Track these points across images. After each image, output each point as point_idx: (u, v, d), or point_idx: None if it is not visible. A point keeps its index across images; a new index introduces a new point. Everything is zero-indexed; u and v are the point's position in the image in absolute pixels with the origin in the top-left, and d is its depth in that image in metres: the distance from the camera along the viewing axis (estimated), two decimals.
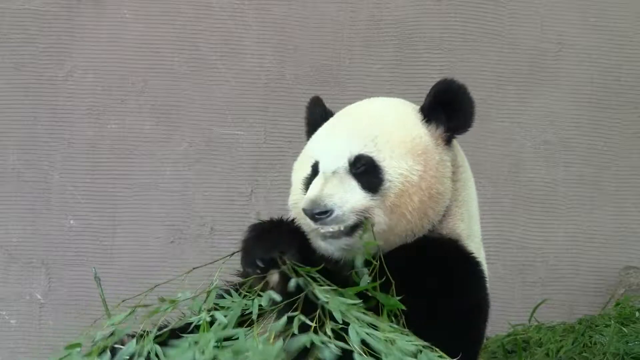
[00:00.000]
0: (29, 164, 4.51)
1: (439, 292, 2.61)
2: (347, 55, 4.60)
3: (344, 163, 2.72)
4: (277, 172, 4.51)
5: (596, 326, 3.92)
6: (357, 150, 2.73)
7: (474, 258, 2.77)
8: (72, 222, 4.50)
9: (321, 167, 2.75)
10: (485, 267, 2.82)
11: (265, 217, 2.70)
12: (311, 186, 2.71)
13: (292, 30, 4.60)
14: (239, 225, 4.02)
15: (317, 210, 2.63)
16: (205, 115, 4.57)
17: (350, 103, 2.96)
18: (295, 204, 2.83)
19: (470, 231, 2.83)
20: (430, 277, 2.63)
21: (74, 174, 4.53)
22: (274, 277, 2.50)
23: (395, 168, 2.70)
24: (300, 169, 2.88)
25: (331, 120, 2.91)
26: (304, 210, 2.65)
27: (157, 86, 4.56)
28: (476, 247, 2.82)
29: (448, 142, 2.83)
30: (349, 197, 2.66)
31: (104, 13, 4.55)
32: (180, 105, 4.57)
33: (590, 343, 3.82)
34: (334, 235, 2.65)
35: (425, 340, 2.50)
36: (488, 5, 4.63)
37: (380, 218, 2.68)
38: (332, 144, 2.77)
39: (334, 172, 2.71)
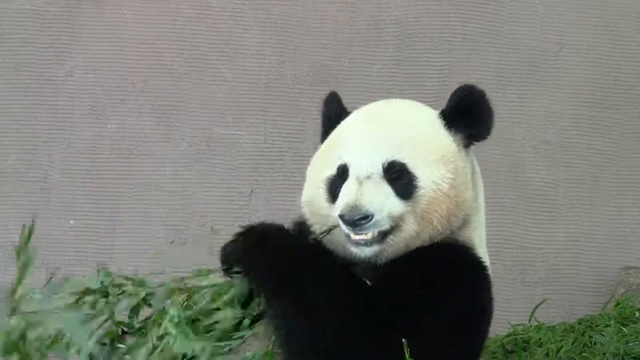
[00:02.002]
0: (29, 164, 4.50)
1: (446, 294, 2.63)
2: (347, 55, 4.60)
3: (378, 169, 2.71)
4: (277, 172, 4.51)
5: (596, 326, 3.92)
6: (390, 156, 2.72)
7: (482, 263, 2.79)
8: (72, 222, 4.50)
9: (353, 172, 2.72)
10: (490, 272, 2.83)
11: (264, 218, 2.70)
12: (345, 191, 2.69)
13: (292, 30, 4.60)
14: (239, 225, 4.02)
15: (358, 217, 2.62)
16: (205, 115, 4.57)
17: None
18: (310, 201, 2.81)
19: (481, 238, 2.85)
20: (439, 279, 2.65)
21: (74, 174, 4.53)
22: None
23: (429, 175, 2.71)
24: (321, 166, 2.84)
25: (355, 121, 2.87)
26: (343, 216, 2.64)
27: (157, 86, 4.56)
28: (483, 252, 2.85)
29: (466, 148, 2.84)
30: (386, 203, 2.66)
31: (104, 13, 4.56)
32: (180, 105, 4.57)
33: (590, 343, 3.81)
34: (367, 243, 2.66)
35: (429, 339, 2.54)
36: (488, 5, 4.63)
37: (411, 225, 2.69)
38: (364, 149, 2.74)
39: (368, 177, 2.70)
